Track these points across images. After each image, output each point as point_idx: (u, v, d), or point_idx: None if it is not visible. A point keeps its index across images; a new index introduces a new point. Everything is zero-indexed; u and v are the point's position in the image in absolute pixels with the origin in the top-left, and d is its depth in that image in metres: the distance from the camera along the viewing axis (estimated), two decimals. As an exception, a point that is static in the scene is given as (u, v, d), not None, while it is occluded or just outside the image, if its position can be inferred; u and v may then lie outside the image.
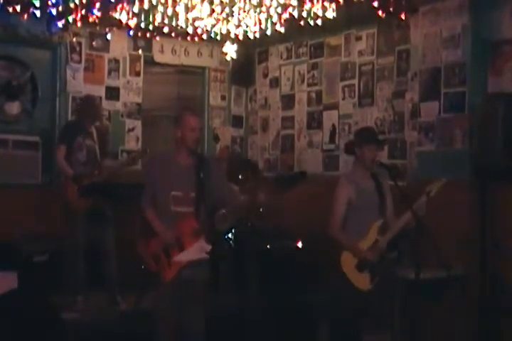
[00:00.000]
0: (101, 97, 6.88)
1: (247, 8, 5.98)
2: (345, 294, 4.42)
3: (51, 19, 6.18)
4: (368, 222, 4.41)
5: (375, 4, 5.71)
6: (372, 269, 4.37)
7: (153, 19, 6.10)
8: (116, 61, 7.11)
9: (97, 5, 5.88)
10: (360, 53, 6.49)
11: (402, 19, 5.87)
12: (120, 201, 5.51)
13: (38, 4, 5.87)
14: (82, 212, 5.60)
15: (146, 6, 5.84)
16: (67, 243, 5.75)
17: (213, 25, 6.44)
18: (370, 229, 4.40)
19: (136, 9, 5.88)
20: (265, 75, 7.76)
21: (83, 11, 6.01)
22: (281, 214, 6.80)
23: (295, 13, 5.97)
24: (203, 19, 6.18)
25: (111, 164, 6.05)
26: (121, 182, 5.75)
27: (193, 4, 5.86)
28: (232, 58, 7.47)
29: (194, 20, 6.18)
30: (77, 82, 6.81)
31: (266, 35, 6.49)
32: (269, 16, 6.10)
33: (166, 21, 6.12)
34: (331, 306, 4.61)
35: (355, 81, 6.56)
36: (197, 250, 3.97)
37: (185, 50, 7.55)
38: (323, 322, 4.70)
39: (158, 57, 7.42)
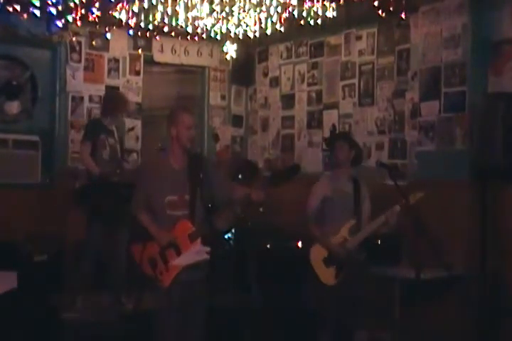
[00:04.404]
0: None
1: (247, 7, 5.97)
2: (316, 292, 4.62)
3: (51, 18, 6.17)
4: (341, 222, 4.59)
5: (375, 3, 5.71)
6: (339, 265, 4.51)
7: (153, 18, 6.09)
8: (116, 60, 7.10)
9: (97, 4, 5.89)
10: (361, 53, 6.47)
11: (402, 19, 5.86)
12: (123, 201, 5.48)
13: (37, 4, 5.86)
14: (102, 211, 5.56)
15: (145, 5, 5.84)
16: (83, 242, 5.72)
17: (213, 25, 6.43)
18: (342, 227, 4.57)
19: (135, 8, 5.88)
20: (265, 75, 7.75)
21: (83, 10, 6.00)
22: (281, 213, 6.80)
23: (295, 13, 5.97)
24: (202, 18, 6.17)
25: (130, 163, 6.06)
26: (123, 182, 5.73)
27: (193, 3, 5.86)
28: (232, 58, 7.47)
29: (194, 19, 6.18)
30: (77, 82, 6.80)
31: (266, 34, 6.48)
32: (269, 15, 6.09)
33: (166, 20, 6.12)
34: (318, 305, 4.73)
35: (356, 80, 6.54)
36: (194, 253, 3.90)
37: (185, 50, 7.54)
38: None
39: (158, 57, 7.41)
